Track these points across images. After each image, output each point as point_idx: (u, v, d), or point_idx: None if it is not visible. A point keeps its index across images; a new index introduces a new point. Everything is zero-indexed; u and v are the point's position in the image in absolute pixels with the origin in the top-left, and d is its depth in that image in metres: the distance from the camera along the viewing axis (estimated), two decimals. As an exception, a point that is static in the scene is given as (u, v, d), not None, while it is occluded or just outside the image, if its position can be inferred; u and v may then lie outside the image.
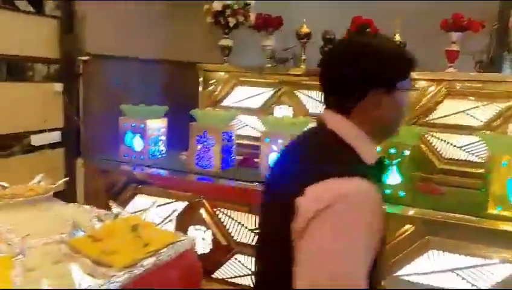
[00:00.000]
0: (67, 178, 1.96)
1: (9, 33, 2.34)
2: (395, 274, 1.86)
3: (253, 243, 2.16)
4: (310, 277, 0.82)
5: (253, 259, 2.10)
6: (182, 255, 1.49)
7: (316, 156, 0.96)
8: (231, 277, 2.24)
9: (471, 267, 1.77)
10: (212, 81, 3.06)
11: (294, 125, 2.21)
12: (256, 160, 2.38)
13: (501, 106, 2.32)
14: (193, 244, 1.61)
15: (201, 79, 3.06)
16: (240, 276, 2.22)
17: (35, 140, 2.52)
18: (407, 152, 1.92)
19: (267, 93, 2.90)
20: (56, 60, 2.63)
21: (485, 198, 1.81)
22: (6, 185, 1.73)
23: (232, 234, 2.21)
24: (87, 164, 2.67)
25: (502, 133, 2.24)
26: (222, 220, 2.23)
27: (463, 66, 2.53)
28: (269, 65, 2.97)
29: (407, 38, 2.59)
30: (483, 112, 2.38)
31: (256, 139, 2.80)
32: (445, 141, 2.48)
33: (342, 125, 0.97)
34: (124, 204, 2.40)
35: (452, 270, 1.80)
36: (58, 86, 2.63)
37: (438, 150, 2.50)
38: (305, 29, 2.82)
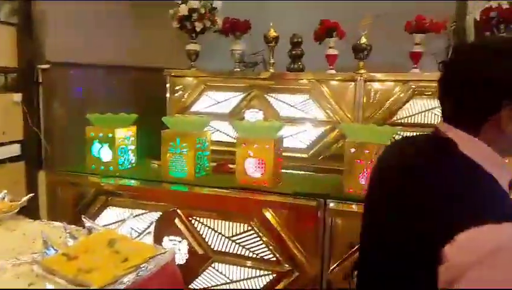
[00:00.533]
0: (33, 194, 1.84)
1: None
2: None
3: (231, 251, 2.13)
4: None
5: (232, 267, 2.09)
6: (163, 269, 1.43)
7: (460, 193, 0.79)
8: (209, 287, 2.19)
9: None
10: (180, 87, 3.00)
11: (270, 130, 2.20)
12: (231, 166, 2.35)
13: (463, 104, 2.42)
14: (173, 257, 1.56)
15: (168, 85, 2.99)
16: (218, 285, 2.18)
17: (-6, 154, 2.37)
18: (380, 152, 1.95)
19: (236, 97, 2.88)
20: (14, 68, 2.49)
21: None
22: (-35, 203, 1.62)
23: (209, 243, 2.16)
24: (51, 177, 2.55)
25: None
26: (198, 229, 2.18)
27: (428, 66, 2.62)
28: (238, 69, 2.95)
29: (374, 41, 2.66)
30: (447, 111, 2.48)
31: (229, 144, 2.78)
32: (412, 139, 2.56)
33: (477, 148, 0.84)
34: (93, 217, 2.30)
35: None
36: (17, 96, 2.49)
37: (406, 148, 2.57)
38: (273, 33, 2.83)
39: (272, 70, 2.84)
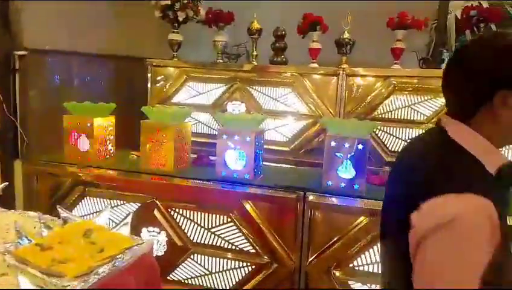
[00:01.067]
0: (7, 183, 1.80)
1: None
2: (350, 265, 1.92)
3: (210, 243, 2.12)
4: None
5: (211, 258, 2.09)
6: (140, 260, 1.42)
7: (433, 168, 0.93)
8: (188, 278, 2.19)
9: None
10: (161, 77, 2.96)
11: (252, 122, 2.19)
12: (211, 158, 2.34)
13: (442, 100, 2.46)
14: (151, 248, 1.55)
15: (150, 75, 2.95)
16: (197, 276, 2.18)
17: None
18: (360, 146, 1.98)
19: (219, 89, 2.86)
20: (-11, 55, 2.41)
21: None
22: None
23: (188, 234, 2.15)
24: (27, 167, 2.49)
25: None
26: (177, 220, 2.17)
27: (409, 63, 2.65)
28: (221, 61, 2.93)
29: (357, 37, 2.67)
30: (427, 106, 2.52)
31: (210, 136, 2.77)
32: (391, 134, 2.60)
33: (464, 134, 0.94)
34: (70, 208, 2.26)
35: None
36: (-8, 84, 2.42)
37: (385, 143, 2.61)
38: (256, 25, 2.82)
39: (254, 63, 2.83)
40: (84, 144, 2.36)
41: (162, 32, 2.99)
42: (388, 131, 2.61)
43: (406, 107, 2.58)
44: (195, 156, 2.52)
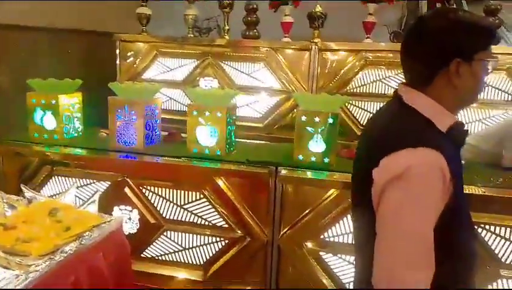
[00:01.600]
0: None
1: None
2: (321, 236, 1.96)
3: (184, 219, 2.12)
4: (385, 239, 0.95)
5: (184, 234, 2.09)
6: (108, 237, 1.41)
7: (389, 129, 1.04)
8: (162, 255, 2.19)
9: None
10: (131, 53, 2.88)
11: (224, 97, 2.17)
12: (183, 135, 2.31)
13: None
14: (120, 225, 1.54)
15: (118, 51, 2.86)
16: (171, 253, 2.18)
17: None
18: (330, 120, 1.99)
19: (190, 65, 2.81)
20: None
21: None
22: None
23: (161, 211, 2.15)
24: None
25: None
26: (149, 198, 2.15)
27: (381, 38, 2.66)
28: (192, 35, 2.86)
29: (328, 10, 2.65)
30: (398, 80, 2.54)
31: (182, 113, 2.73)
32: (363, 108, 2.62)
33: (416, 98, 1.04)
34: (38, 188, 2.21)
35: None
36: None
37: (356, 117, 2.63)
38: (227, -1, 2.75)
39: (226, 38, 2.78)
40: (49, 122, 2.29)
41: (129, 5, 2.89)
42: (360, 105, 2.63)
43: (378, 81, 2.59)
44: (166, 133, 2.48)
